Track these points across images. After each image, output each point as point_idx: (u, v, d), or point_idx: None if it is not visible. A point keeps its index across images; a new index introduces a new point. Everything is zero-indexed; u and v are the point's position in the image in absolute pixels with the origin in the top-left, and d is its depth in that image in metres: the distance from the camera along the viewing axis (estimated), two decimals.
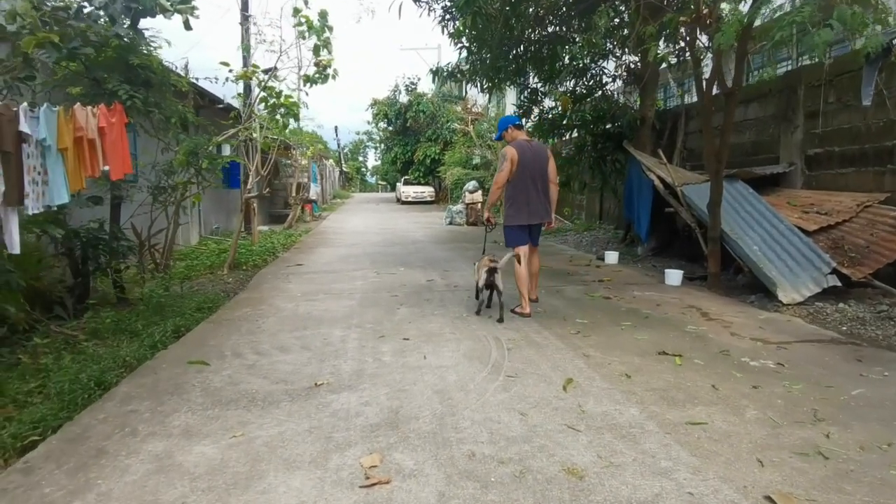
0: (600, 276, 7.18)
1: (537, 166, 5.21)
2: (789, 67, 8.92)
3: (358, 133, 57.12)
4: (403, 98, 30.76)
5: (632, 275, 7.40)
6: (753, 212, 6.37)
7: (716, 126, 8.68)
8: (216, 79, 6.86)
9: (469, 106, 28.00)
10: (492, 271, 4.94)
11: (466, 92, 27.37)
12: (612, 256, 8.50)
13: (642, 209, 8.37)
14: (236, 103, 9.27)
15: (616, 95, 10.57)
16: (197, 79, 6.79)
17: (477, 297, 5.35)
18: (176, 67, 6.14)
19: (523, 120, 10.82)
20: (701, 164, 9.14)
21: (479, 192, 16.56)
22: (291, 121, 8.35)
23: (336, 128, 69.39)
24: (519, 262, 5.13)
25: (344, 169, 58.99)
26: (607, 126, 10.47)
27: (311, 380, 3.40)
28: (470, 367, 3.65)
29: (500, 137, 5.53)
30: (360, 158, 76.78)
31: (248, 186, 8.82)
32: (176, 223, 6.59)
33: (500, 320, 4.84)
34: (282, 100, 7.23)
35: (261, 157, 9.01)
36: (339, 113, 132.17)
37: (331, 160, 38.64)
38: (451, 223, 16.42)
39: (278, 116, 7.51)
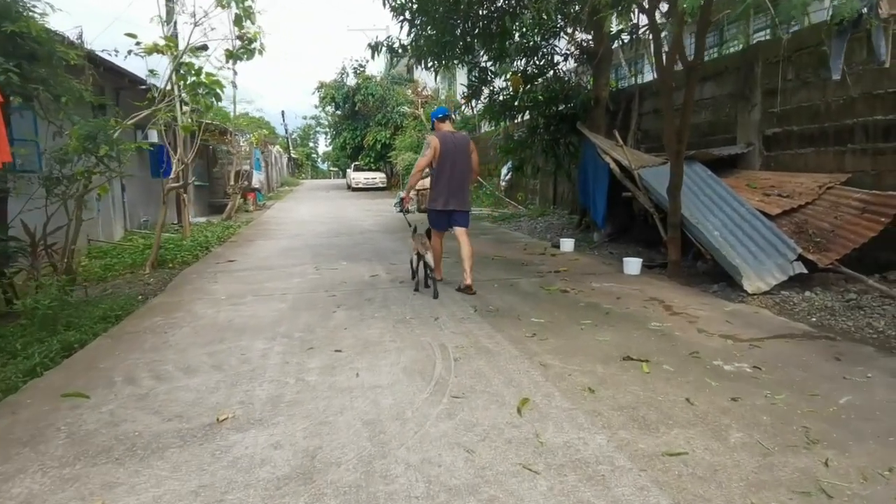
0: (556, 266, 6.76)
1: (459, 156, 5.49)
2: (739, 45, 8.69)
3: (305, 118, 55.17)
4: (351, 81, 29.67)
5: (589, 263, 7.02)
6: (713, 195, 6.06)
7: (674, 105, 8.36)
8: (116, 51, 5.96)
9: (419, 89, 27.24)
10: (420, 255, 5.37)
11: (409, 71, 26.59)
12: (567, 244, 8.12)
13: (598, 194, 8.00)
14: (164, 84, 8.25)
15: (568, 75, 10.14)
16: (93, 51, 5.89)
17: (413, 277, 5.78)
18: (67, 38, 5.27)
19: (473, 101, 10.31)
20: (656, 146, 8.85)
21: (430, 177, 15.96)
22: (226, 103, 7.55)
23: (283, 112, 67.13)
24: (431, 244, 5.49)
25: (293, 155, 57.02)
26: (560, 107, 10.06)
27: (214, 413, 2.78)
28: (410, 385, 3.11)
29: (433, 127, 5.81)
30: (311, 144, 74.53)
31: (171, 175, 7.95)
32: (79, 219, 5.73)
33: (436, 296, 5.19)
34: (202, 77, 6.42)
35: (185, 143, 8.13)
36: (291, 97, 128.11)
37: (277, 146, 37.12)
38: (401, 210, 15.79)
39: (200, 97, 6.68)
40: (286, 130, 56.72)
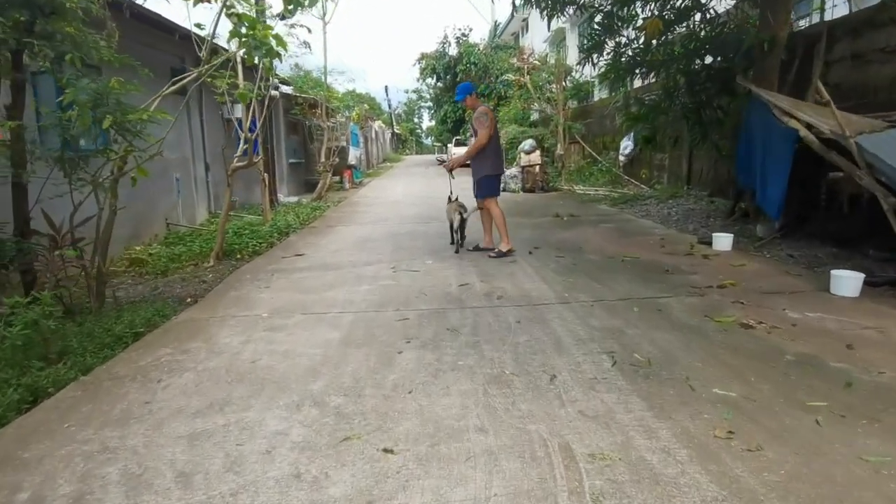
0: (717, 276, 4.81)
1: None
2: None
3: (407, 91, 54.08)
4: (453, 50, 28.10)
5: (764, 272, 4.98)
6: None
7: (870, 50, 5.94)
8: None
9: (525, 55, 25.05)
10: (461, 217, 6.17)
11: (515, 17, 24.48)
12: (722, 241, 6.04)
13: (772, 172, 5.82)
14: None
15: (723, 18, 7.79)
16: None
17: (452, 240, 6.39)
18: None
19: (594, 56, 8.30)
20: (853, 106, 6.41)
21: (537, 152, 14.06)
22: (317, 72, 6.28)
23: (386, 87, 67.13)
24: (492, 211, 6.07)
25: (396, 131, 56.78)
26: (708, 60, 7.81)
27: None
28: None
29: (462, 100, 6.18)
30: (416, 120, 74.24)
31: (237, 154, 6.89)
32: (111, 208, 4.70)
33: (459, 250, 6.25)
34: (257, 31, 5.12)
35: (251, 115, 7.04)
36: (396, 72, 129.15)
37: (379, 122, 36.61)
38: (503, 189, 14.07)
39: (256, 59, 5.43)
40: (389, 106, 56.44)
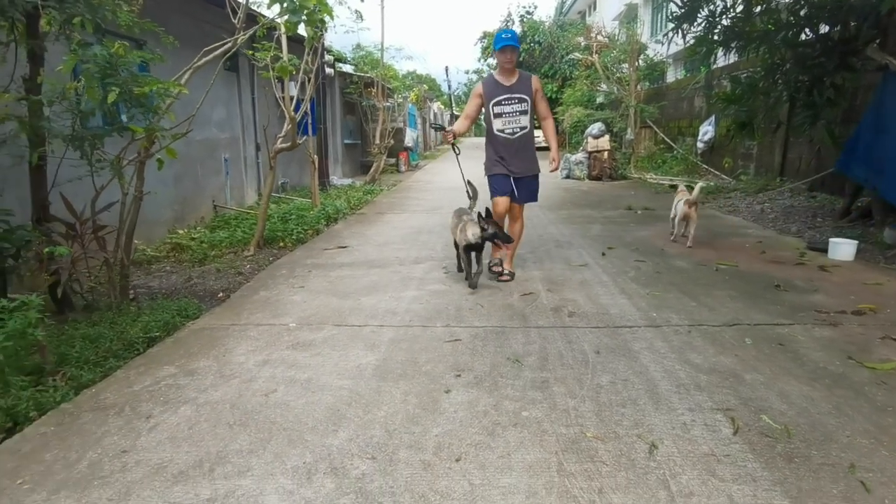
0: (847, 297, 3.84)
1: None
2: None
3: (468, 72, 52.44)
4: (517, 28, 26.91)
5: None
6: None
7: None
8: None
9: (593, 34, 23.55)
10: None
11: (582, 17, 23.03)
12: (843, 248, 4.99)
13: None
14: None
15: None
16: None
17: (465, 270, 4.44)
18: None
19: (685, 24, 7.21)
20: None
21: (606, 137, 12.97)
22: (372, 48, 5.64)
23: (447, 68, 65.85)
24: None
25: (455, 112, 55.77)
26: (823, 30, 6.61)
27: None
28: None
29: (517, 47, 4.37)
30: None
31: (280, 134, 6.35)
32: (138, 194, 4.23)
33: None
34: None
35: (297, 93, 6.47)
36: (458, 52, 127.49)
37: (438, 103, 35.87)
38: (568, 176, 13.11)
39: (301, 28, 4.80)
40: (449, 87, 55.41)
